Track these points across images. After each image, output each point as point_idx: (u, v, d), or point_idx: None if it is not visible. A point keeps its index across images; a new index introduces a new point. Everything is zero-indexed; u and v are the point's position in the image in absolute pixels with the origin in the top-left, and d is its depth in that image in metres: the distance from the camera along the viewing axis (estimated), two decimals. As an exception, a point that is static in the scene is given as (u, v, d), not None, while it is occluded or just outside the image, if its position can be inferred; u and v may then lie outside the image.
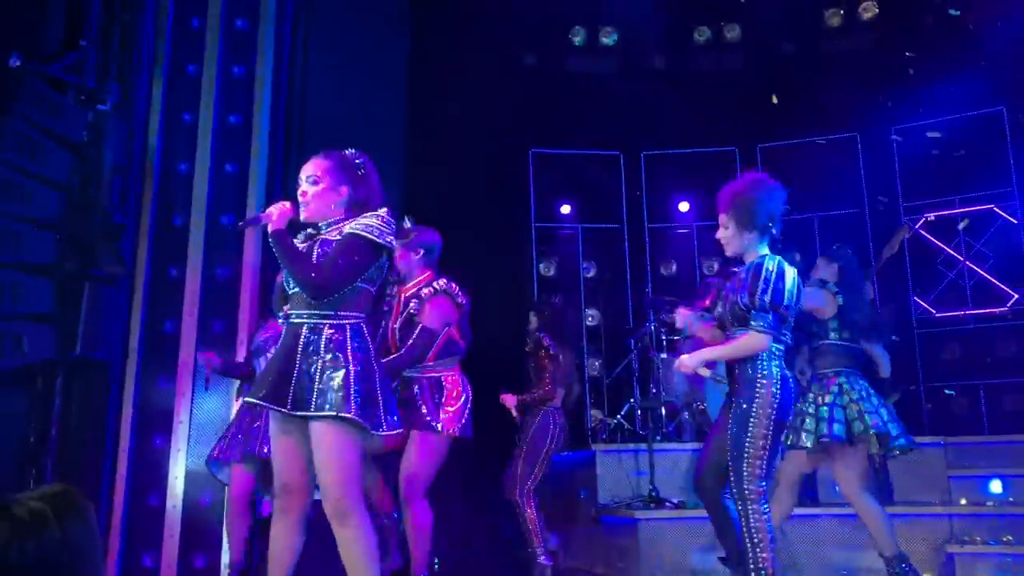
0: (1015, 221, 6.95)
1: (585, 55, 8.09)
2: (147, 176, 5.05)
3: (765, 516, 3.23)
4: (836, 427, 4.09)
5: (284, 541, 2.83)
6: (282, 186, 5.04)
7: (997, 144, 7.03)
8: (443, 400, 3.83)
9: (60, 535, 1.16)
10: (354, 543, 2.72)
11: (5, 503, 1.18)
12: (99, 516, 4.56)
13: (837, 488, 5.81)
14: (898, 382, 7.09)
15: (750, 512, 3.22)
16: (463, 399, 3.88)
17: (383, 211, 2.87)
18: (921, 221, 7.29)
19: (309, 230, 2.96)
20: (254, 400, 2.81)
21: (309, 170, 2.95)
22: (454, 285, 3.91)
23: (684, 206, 8.20)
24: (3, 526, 1.15)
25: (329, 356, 2.73)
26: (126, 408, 4.78)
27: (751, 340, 3.22)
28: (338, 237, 2.84)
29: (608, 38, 8.07)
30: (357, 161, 3.01)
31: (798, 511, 5.44)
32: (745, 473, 3.20)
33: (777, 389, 3.22)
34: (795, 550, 5.32)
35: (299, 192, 2.93)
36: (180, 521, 4.60)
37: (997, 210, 7.05)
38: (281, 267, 2.85)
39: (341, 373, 2.70)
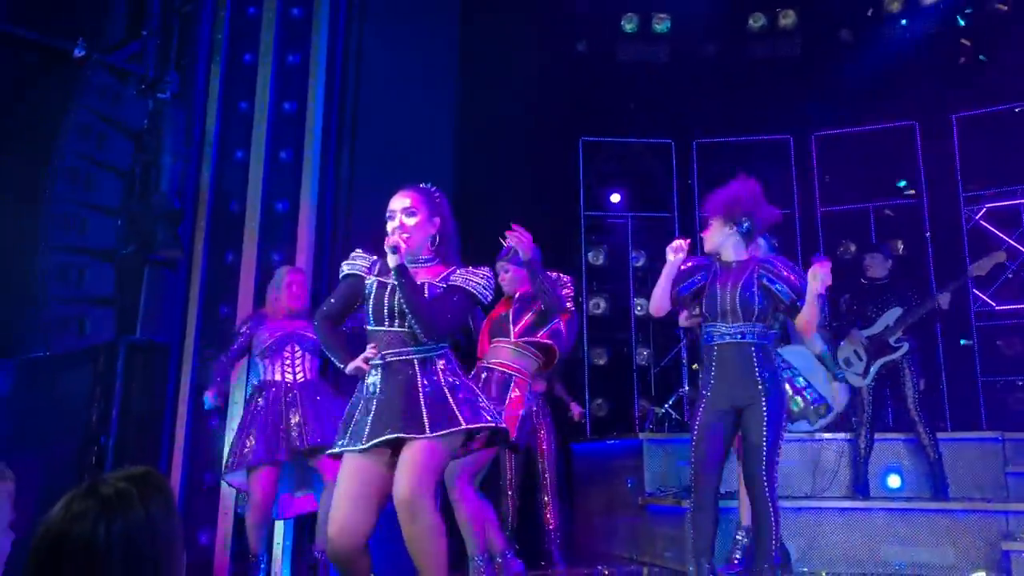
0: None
1: (637, 42, 8.02)
2: (204, 163, 5.15)
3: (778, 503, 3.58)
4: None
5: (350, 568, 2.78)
6: (334, 173, 5.11)
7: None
8: (507, 398, 3.81)
9: (144, 515, 1.19)
10: (422, 540, 2.72)
11: (93, 482, 1.22)
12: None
13: (888, 483, 5.74)
14: (957, 375, 6.95)
15: (777, 498, 3.55)
16: (524, 405, 3.86)
17: (486, 271, 2.98)
18: (981, 211, 7.10)
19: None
20: (389, 437, 2.75)
21: (405, 202, 2.92)
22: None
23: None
24: (91, 504, 1.18)
25: (449, 381, 2.85)
26: (183, 389, 4.90)
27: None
28: (439, 281, 2.91)
29: (660, 25, 7.99)
30: (436, 193, 3.03)
31: (852, 505, 5.38)
32: (776, 464, 3.51)
33: (782, 377, 3.61)
34: (850, 544, 5.26)
35: (394, 225, 2.89)
36: (234, 501, 4.70)
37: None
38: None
39: (447, 396, 2.82)
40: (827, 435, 5.94)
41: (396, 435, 2.74)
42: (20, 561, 1.23)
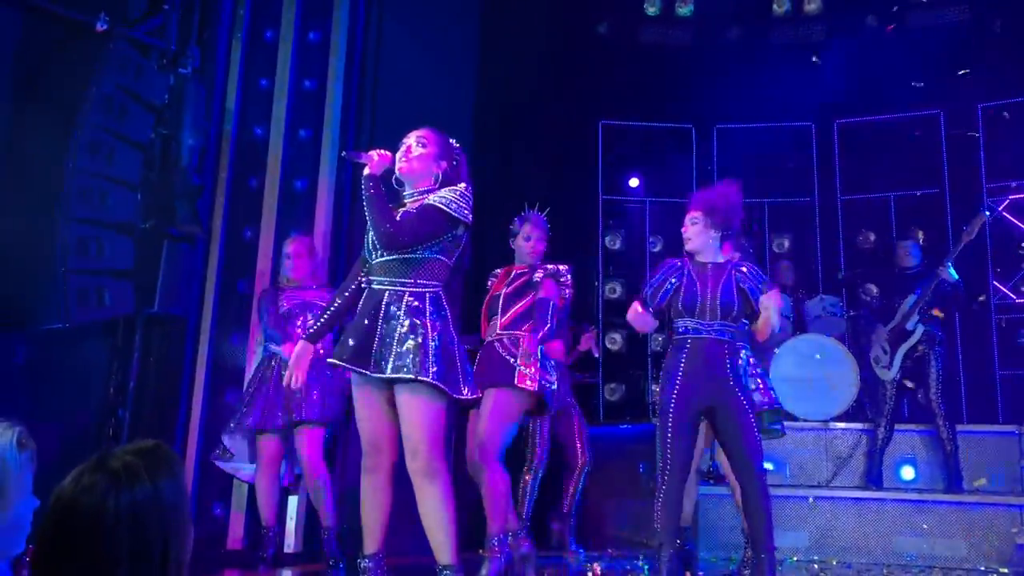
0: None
1: (659, 25, 7.94)
2: (224, 139, 5.16)
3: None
4: None
5: (374, 499, 2.91)
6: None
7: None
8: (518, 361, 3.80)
9: (152, 489, 1.20)
10: (437, 504, 2.78)
11: (102, 456, 1.23)
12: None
13: (902, 474, 5.72)
14: (974, 368, 6.89)
15: (768, 492, 3.58)
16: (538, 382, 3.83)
17: (462, 186, 2.95)
18: (1005, 203, 7.02)
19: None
20: (336, 361, 2.90)
21: (421, 133, 3.03)
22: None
23: (754, 182, 8.03)
24: (99, 478, 1.19)
25: (408, 322, 2.80)
26: (200, 363, 4.93)
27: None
28: (414, 208, 2.93)
29: (684, 8, 7.91)
30: (456, 146, 3.12)
31: (866, 495, 5.37)
32: (762, 452, 3.58)
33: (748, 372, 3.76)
34: (863, 534, 5.25)
35: (403, 148, 3.00)
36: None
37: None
38: (367, 228, 2.93)
39: (419, 338, 2.78)
40: (842, 425, 5.92)
41: (340, 363, 2.86)
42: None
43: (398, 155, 2.98)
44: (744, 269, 3.73)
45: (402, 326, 2.79)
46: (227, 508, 4.76)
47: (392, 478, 2.92)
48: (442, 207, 2.87)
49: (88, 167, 4.39)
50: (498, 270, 4.15)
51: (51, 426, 4.52)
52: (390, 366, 2.76)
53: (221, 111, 5.18)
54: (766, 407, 4.34)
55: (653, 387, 7.61)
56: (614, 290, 8.00)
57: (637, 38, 7.97)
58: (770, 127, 7.84)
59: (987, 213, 5.78)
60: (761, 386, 4.36)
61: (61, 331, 4.34)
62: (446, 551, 2.81)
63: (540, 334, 3.78)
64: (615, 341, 7.84)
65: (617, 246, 8.07)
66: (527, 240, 4.02)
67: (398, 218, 2.89)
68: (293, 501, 4.65)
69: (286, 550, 4.60)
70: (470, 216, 2.93)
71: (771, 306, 3.60)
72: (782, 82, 7.51)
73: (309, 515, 4.63)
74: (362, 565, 2.93)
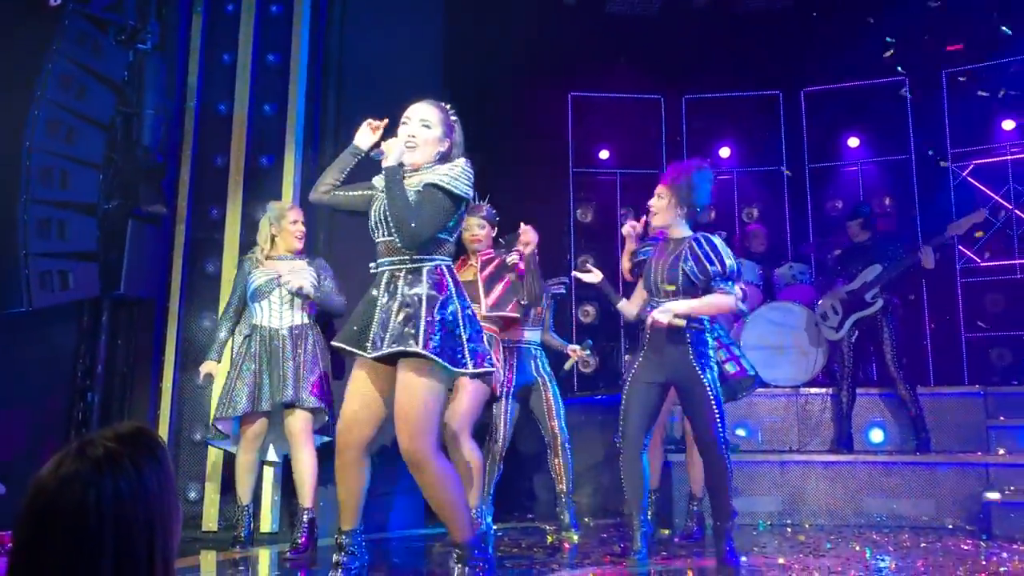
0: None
1: (627, -5, 7.89)
2: (187, 116, 5.07)
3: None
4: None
5: (348, 475, 2.90)
6: (319, 126, 5.04)
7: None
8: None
9: (136, 477, 1.16)
10: (433, 488, 2.78)
11: (82, 442, 1.18)
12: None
13: (871, 437, 5.82)
14: (940, 331, 7.01)
15: (730, 460, 3.63)
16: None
17: (461, 161, 2.92)
18: (969, 167, 7.10)
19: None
20: (338, 345, 2.91)
21: (423, 113, 2.96)
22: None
23: (725, 152, 8.06)
24: (80, 466, 1.14)
25: (402, 298, 2.80)
26: (170, 345, 4.87)
27: (723, 299, 3.58)
28: (417, 187, 2.87)
29: (650, -22, 7.86)
30: (453, 118, 3.06)
31: (836, 458, 5.46)
32: (720, 424, 3.58)
33: (713, 346, 3.72)
34: (834, 497, 5.34)
35: (406, 133, 2.93)
36: (223, 455, 4.70)
37: (1050, 157, 6.84)
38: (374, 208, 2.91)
39: (412, 311, 2.77)
40: (812, 390, 6.00)
41: (341, 346, 2.86)
42: (10, 508, 1.20)
43: (401, 138, 2.92)
44: (693, 245, 3.65)
45: (397, 303, 2.79)
46: (202, 490, 4.73)
47: (364, 454, 2.91)
48: (447, 187, 2.84)
49: (47, 147, 4.29)
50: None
51: (18, 412, 4.45)
52: (385, 344, 2.76)
53: (183, 87, 5.07)
54: (740, 376, 4.40)
55: (626, 358, 7.66)
56: (585, 263, 8.00)
57: (605, 8, 7.92)
58: (738, 96, 7.86)
59: (984, 210, 5.86)
60: (731, 357, 4.41)
61: (25, 315, 4.25)
62: (455, 529, 2.80)
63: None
64: (588, 313, 7.86)
65: (589, 219, 8.07)
66: (473, 231, 4.28)
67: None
68: (268, 480, 4.63)
69: (262, 529, 4.59)
70: (471, 192, 2.92)
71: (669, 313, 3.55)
72: (750, 51, 7.52)
73: (285, 494, 4.61)
74: (340, 541, 2.92)
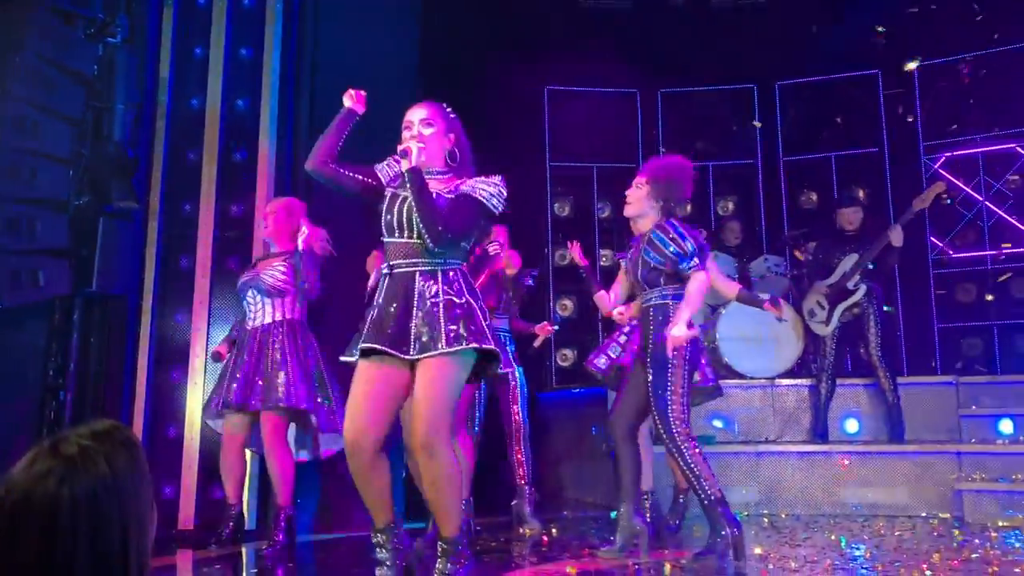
0: (1037, 161, 6.83)
1: (603, -11, 7.90)
2: (159, 111, 5.02)
3: (697, 450, 3.54)
4: None
5: (366, 478, 2.85)
6: (294, 121, 5.00)
7: (1020, 80, 6.86)
8: None
9: (109, 475, 1.14)
10: (440, 479, 2.78)
11: (55, 440, 1.16)
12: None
13: (846, 427, 5.88)
14: (913, 322, 7.09)
15: (684, 450, 3.52)
16: None
17: (497, 179, 2.94)
18: (941, 160, 7.18)
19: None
20: (371, 345, 2.82)
21: (422, 113, 2.98)
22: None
23: (700, 145, 8.08)
24: (53, 464, 1.13)
25: (447, 299, 2.81)
26: (143, 342, 4.83)
27: (697, 281, 3.55)
28: (448, 192, 2.89)
29: (626, -28, 7.87)
30: (451, 111, 3.07)
31: (812, 449, 5.51)
32: (671, 415, 3.50)
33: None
34: (810, 487, 5.39)
35: (411, 134, 2.94)
36: (198, 453, 4.68)
37: (1020, 149, 6.93)
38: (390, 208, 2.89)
39: (462, 312, 2.79)
40: (787, 381, 6.05)
41: (380, 347, 2.80)
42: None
43: (406, 138, 2.92)
44: (651, 237, 3.65)
45: (442, 304, 2.80)
46: (177, 489, 4.69)
47: (380, 453, 2.85)
48: (483, 201, 2.88)
49: (15, 143, 4.22)
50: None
51: (-10, 410, 4.39)
52: (444, 341, 2.74)
53: (155, 82, 5.02)
54: (703, 385, 4.42)
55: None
56: (564, 257, 8.01)
57: (580, 2, 7.92)
58: (713, 90, 7.89)
59: (943, 183, 5.91)
60: (702, 363, 4.41)
61: (-5, 313, 4.19)
62: (447, 523, 2.82)
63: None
64: (566, 307, 7.87)
65: (566, 213, 8.07)
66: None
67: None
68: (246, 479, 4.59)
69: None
70: (500, 208, 2.94)
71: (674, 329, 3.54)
72: (725, 44, 7.55)
73: (264, 495, 4.58)
74: (378, 540, 2.91)
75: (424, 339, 2.77)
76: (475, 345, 2.76)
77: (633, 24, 7.75)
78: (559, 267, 7.93)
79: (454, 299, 2.81)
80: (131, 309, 4.86)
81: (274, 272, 4.19)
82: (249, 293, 4.26)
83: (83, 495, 1.11)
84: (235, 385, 4.08)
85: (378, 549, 2.89)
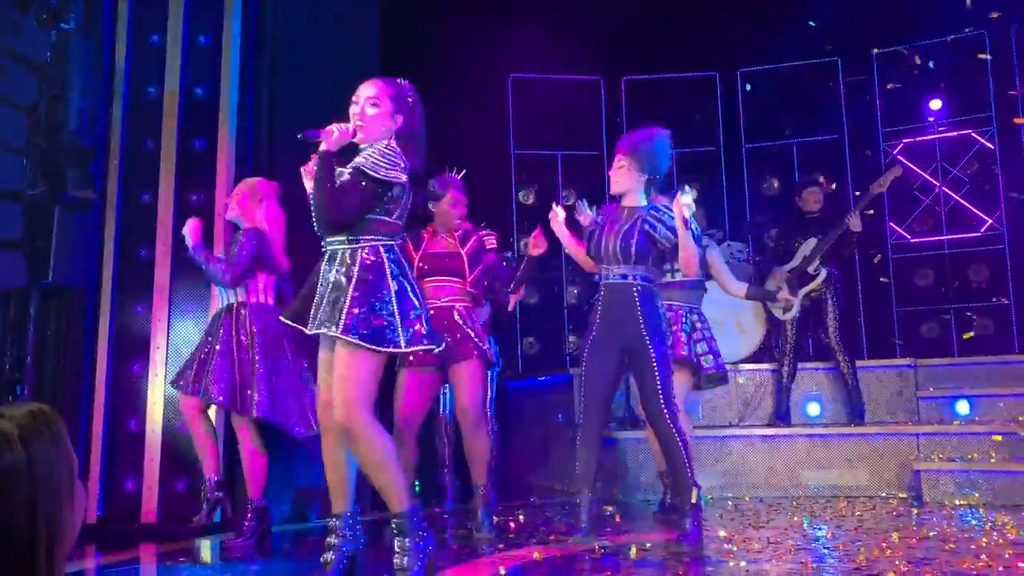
0: (991, 147, 6.97)
1: (565, -24, 7.88)
2: (115, 99, 4.92)
3: (685, 433, 3.67)
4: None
5: (330, 458, 2.90)
6: (254, 108, 4.93)
7: (976, 68, 6.99)
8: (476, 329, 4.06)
9: (24, 457, 1.11)
10: (368, 456, 2.76)
11: None
12: (79, 441, 4.56)
13: (808, 411, 5.97)
14: (874, 306, 7.21)
15: (681, 431, 3.62)
16: None
17: (384, 143, 2.86)
18: (899, 146, 7.29)
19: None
20: (285, 320, 2.94)
21: (369, 91, 2.91)
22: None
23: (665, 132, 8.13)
24: None
25: (336, 279, 2.78)
26: (102, 335, 4.75)
27: (696, 259, 3.67)
28: (349, 170, 2.84)
29: (589, -41, 7.85)
30: (408, 91, 2.99)
31: (774, 432, 5.58)
32: (673, 395, 3.61)
33: (664, 317, 3.70)
34: (772, 469, 5.46)
35: (356, 110, 2.88)
36: (160, 445, 4.61)
37: (975, 135, 7.06)
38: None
39: (339, 294, 2.76)
40: (749, 366, 6.13)
41: (291, 324, 2.90)
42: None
43: (352, 118, 2.86)
44: (655, 213, 3.70)
45: (333, 282, 2.78)
46: (139, 482, 4.62)
47: (345, 436, 2.83)
48: (368, 171, 2.78)
49: (-34, 131, 4.12)
50: (422, 229, 4.16)
51: (-57, 406, 4.30)
52: (317, 322, 2.77)
53: (111, 69, 4.92)
54: (713, 371, 4.43)
55: (570, 339, 7.72)
56: (527, 244, 8.01)
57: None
58: (677, 77, 7.93)
59: (900, 167, 5.99)
60: (711, 351, 4.45)
61: (-53, 306, 4.10)
62: (391, 498, 2.79)
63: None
64: (532, 296, 7.88)
65: (531, 201, 8.08)
66: (454, 206, 4.14)
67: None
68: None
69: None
70: (403, 175, 2.82)
71: (677, 218, 3.56)
72: (688, 32, 7.58)
73: (236, 485, 4.52)
74: (331, 524, 2.90)
75: (318, 317, 2.78)
76: (346, 338, 2.71)
77: (597, 11, 7.75)
78: (524, 256, 7.93)
79: (342, 280, 2.77)
80: (89, 301, 4.77)
81: (224, 255, 4.10)
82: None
83: None
84: (220, 384, 3.95)
85: (331, 534, 2.89)
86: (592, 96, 8.09)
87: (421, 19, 6.85)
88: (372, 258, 2.80)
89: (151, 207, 4.84)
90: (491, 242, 4.25)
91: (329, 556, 2.85)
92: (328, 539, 2.89)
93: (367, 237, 2.82)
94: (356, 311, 2.72)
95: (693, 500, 3.60)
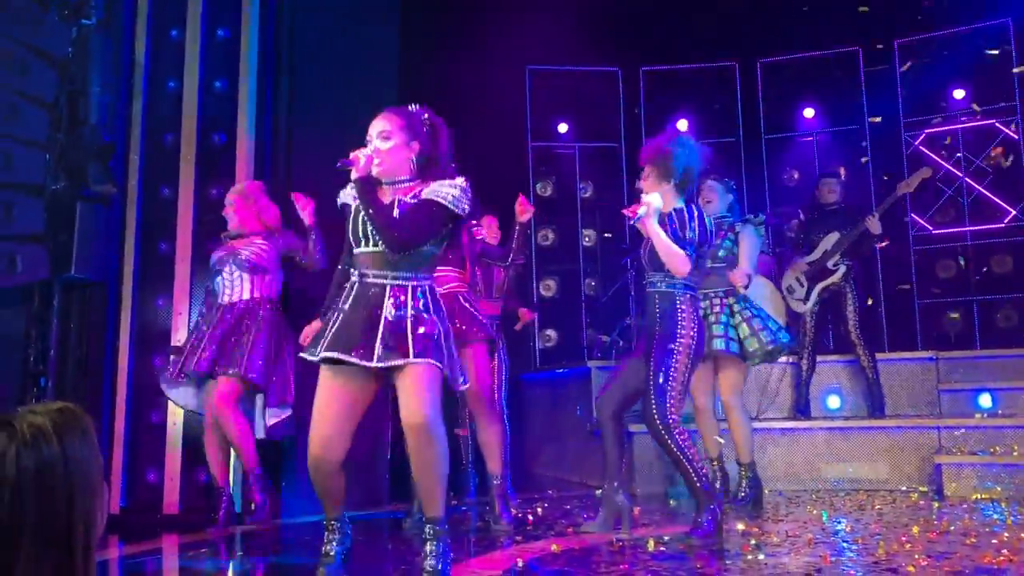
0: (1016, 137, 6.88)
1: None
2: (135, 94, 4.95)
3: (685, 435, 3.54)
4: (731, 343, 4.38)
5: (329, 483, 2.89)
6: (272, 102, 4.95)
7: (1001, 59, 6.89)
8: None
9: (59, 451, 1.18)
10: (434, 460, 2.78)
11: (7, 417, 1.20)
12: (102, 434, 4.62)
13: (828, 404, 5.93)
14: (894, 298, 7.15)
15: (672, 437, 3.52)
16: None
17: (460, 180, 2.91)
18: (921, 137, 7.21)
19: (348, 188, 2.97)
20: (330, 354, 2.79)
21: (379, 127, 2.93)
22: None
23: (683, 124, 8.09)
24: (2, 439, 1.17)
25: (415, 313, 2.81)
26: (124, 328, 4.79)
27: (679, 259, 3.49)
28: (412, 200, 2.86)
29: (606, -50, 7.81)
30: (424, 117, 3.02)
31: (794, 425, 5.56)
32: (668, 402, 3.50)
33: (695, 326, 3.56)
34: (792, 463, 5.44)
35: (369, 148, 2.90)
36: (181, 438, 4.66)
37: (999, 125, 6.97)
38: (361, 217, 2.86)
39: (431, 328, 2.80)
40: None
41: (342, 356, 2.78)
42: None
43: (368, 155, 2.87)
44: (667, 219, 3.61)
45: (412, 316, 2.80)
46: (161, 473, 4.68)
47: (342, 465, 2.87)
48: (444, 203, 2.83)
49: (-11, 127, 4.16)
50: (474, 221, 4.33)
51: (-31, 398, 4.36)
52: (411, 352, 2.74)
53: (131, 64, 4.95)
54: (771, 346, 4.38)
55: (589, 331, 7.71)
56: (547, 237, 8.02)
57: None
58: (695, 68, 7.88)
59: (930, 168, 5.93)
60: (765, 327, 4.39)
61: (-28, 300, 4.15)
62: (433, 503, 2.83)
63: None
64: (550, 288, 7.89)
65: (548, 193, 8.07)
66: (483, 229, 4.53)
67: (396, 214, 2.82)
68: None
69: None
70: (466, 210, 2.90)
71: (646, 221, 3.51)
72: (706, 22, 7.53)
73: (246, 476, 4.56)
74: (328, 525, 2.98)
75: (389, 348, 2.76)
76: (437, 364, 2.76)
77: (614, 2, 7.71)
78: (542, 247, 7.93)
79: (422, 315, 2.81)
80: (111, 294, 4.82)
81: (254, 248, 4.30)
82: (226, 269, 4.32)
83: (30, 469, 1.15)
84: (205, 355, 4.10)
85: (327, 534, 2.99)
86: (610, 87, 8.06)
87: (439, 12, 6.84)
88: (425, 298, 2.87)
89: (171, 201, 4.88)
90: (479, 232, 4.43)
91: (329, 548, 2.97)
92: (327, 537, 2.98)
93: (425, 275, 2.91)
94: (445, 348, 2.82)
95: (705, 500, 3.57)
